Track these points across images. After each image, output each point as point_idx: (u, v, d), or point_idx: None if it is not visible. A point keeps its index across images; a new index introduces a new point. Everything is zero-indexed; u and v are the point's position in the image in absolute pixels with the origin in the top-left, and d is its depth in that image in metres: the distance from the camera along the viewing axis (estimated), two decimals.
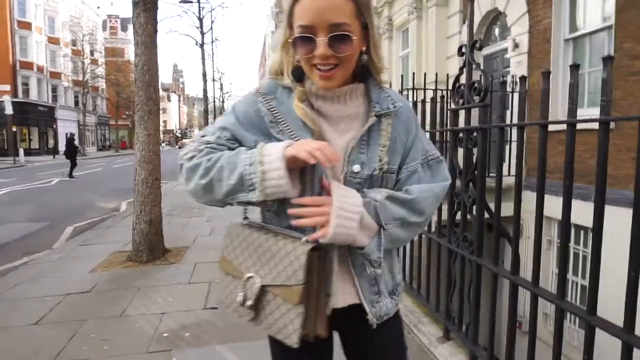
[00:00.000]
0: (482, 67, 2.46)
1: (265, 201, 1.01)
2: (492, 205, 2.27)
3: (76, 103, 42.79)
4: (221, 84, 27.76)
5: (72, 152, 16.95)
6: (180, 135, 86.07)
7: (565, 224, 1.72)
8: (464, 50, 2.46)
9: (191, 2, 16.36)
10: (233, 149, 1.07)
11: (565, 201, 1.71)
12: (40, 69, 36.79)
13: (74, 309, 3.57)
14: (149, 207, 4.79)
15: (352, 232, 0.98)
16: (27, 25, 35.19)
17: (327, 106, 1.09)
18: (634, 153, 5.22)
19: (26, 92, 35.40)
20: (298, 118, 1.05)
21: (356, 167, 1.06)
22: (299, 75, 1.08)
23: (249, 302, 1.03)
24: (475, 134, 2.37)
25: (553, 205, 2.15)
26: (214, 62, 26.74)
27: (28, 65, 35.32)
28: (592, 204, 1.61)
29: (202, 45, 16.11)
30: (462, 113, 2.60)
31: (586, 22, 5.59)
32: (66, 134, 18.52)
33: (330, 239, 0.97)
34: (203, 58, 16.22)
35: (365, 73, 1.11)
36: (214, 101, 23.53)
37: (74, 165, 16.96)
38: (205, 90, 16.05)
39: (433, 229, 3.01)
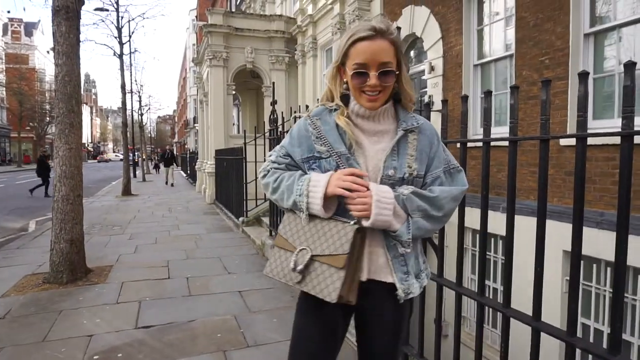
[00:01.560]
0: None
1: None
2: None
3: None
4: (140, 97, 26.63)
5: (44, 169, 15.36)
6: (92, 150, 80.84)
7: (483, 226, 1.96)
8: None
9: (107, 10, 15.63)
10: (288, 164, 1.46)
11: (483, 208, 1.95)
12: None
13: None
14: (69, 225, 4.53)
15: (388, 218, 1.28)
16: None
17: (364, 123, 1.41)
18: (533, 167, 5.85)
19: None
20: (337, 133, 1.38)
21: (390, 172, 1.35)
22: (345, 100, 1.42)
23: (300, 267, 1.32)
24: None
25: (468, 216, 2.38)
26: (133, 73, 25.50)
27: None
28: (500, 213, 1.87)
29: (120, 56, 15.38)
30: None
31: (491, 50, 6.23)
32: (39, 152, 16.36)
33: (372, 223, 1.27)
34: (122, 69, 15.48)
35: (395, 99, 1.43)
36: (132, 114, 22.49)
37: (46, 183, 15.26)
38: (124, 103, 15.30)
39: None
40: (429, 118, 2.52)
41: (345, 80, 1.41)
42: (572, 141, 4.64)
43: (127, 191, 14.63)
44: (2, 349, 3.06)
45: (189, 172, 23.52)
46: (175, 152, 26.96)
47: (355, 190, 1.27)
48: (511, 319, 1.83)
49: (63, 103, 4.47)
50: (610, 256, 1.51)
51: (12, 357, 2.94)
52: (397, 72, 1.36)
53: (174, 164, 20.01)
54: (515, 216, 1.85)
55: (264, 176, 1.48)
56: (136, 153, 26.04)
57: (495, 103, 6.13)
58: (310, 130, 1.41)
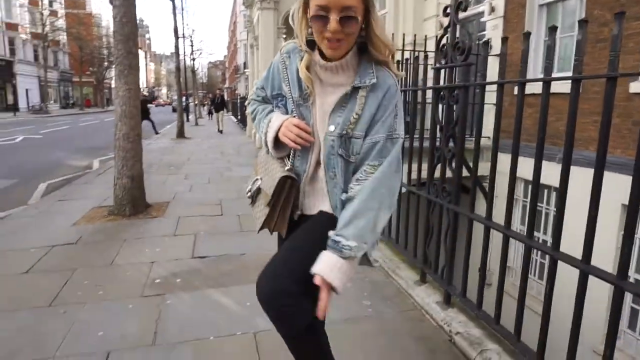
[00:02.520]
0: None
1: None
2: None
3: (36, 57, 40.58)
4: (192, 41, 26.90)
5: (145, 111, 16.40)
6: (147, 95, 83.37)
7: (538, 162, 1.92)
8: (449, 10, 2.58)
9: None
10: (264, 97, 1.55)
11: (538, 149, 1.90)
12: None
13: (62, 259, 3.65)
14: (130, 162, 4.82)
15: (350, 275, 1.27)
16: None
17: (322, 72, 1.35)
18: (596, 116, 5.56)
19: None
20: (297, 77, 1.35)
21: (331, 127, 1.33)
22: (312, 45, 1.33)
23: (249, 194, 1.54)
24: (457, 91, 2.53)
25: (520, 167, 2.20)
26: (184, 17, 25.69)
27: None
28: (555, 164, 1.80)
29: None
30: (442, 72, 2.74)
31: None
32: (144, 94, 17.66)
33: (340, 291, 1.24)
34: (174, 12, 15.60)
35: (363, 49, 1.33)
36: (185, 59, 22.87)
37: (149, 121, 16.47)
38: (176, 47, 15.53)
39: (412, 182, 3.21)
40: (486, 59, 2.42)
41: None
42: None
43: (181, 134, 15.16)
44: (76, 269, 3.40)
45: (239, 117, 23.91)
46: (225, 97, 27.25)
47: (300, 143, 1.33)
48: (559, 263, 1.82)
49: (122, 44, 4.61)
50: None
51: (85, 277, 3.26)
52: (362, 19, 1.26)
53: (224, 109, 19.56)
54: (572, 167, 1.78)
55: (248, 104, 1.61)
56: (189, 98, 26.65)
57: (560, 47, 5.73)
58: (281, 68, 1.41)
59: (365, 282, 3.16)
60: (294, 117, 1.38)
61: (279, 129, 1.37)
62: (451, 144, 2.63)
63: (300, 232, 1.41)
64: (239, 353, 2.31)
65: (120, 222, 4.72)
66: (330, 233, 1.28)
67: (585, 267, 1.69)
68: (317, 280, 1.21)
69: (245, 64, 34.23)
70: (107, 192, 6.04)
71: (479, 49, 6.20)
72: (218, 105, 19.54)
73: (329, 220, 1.36)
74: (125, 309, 2.77)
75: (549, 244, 1.92)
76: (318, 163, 1.40)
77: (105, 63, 46.46)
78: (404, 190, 3.36)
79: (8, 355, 2.27)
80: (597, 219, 1.65)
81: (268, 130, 1.42)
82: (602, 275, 1.64)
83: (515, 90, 2.18)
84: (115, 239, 4.14)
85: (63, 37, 44.50)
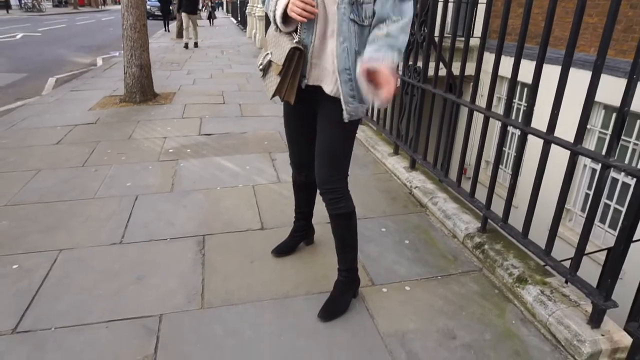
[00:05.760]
0: None
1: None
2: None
3: None
4: None
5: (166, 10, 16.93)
6: None
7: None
8: None
9: None
10: None
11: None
12: None
13: (85, 134, 4.18)
14: (138, 51, 5.16)
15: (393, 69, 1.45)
16: None
17: None
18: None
19: None
20: None
21: None
22: None
23: (261, 67, 1.73)
24: None
25: (506, 66, 2.29)
26: None
27: None
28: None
29: None
30: None
31: None
32: None
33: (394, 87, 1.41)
34: None
35: None
36: None
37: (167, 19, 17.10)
38: None
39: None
40: None
41: None
42: None
43: (180, 34, 15.00)
44: (99, 142, 3.94)
45: (239, 18, 23.28)
46: None
47: (306, 16, 1.49)
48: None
49: None
50: None
51: (108, 147, 3.81)
52: None
53: (198, 9, 13.92)
54: (554, 66, 1.93)
55: None
56: None
57: None
58: None
59: None
60: None
61: (286, 6, 1.52)
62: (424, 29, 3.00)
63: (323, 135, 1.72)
64: (240, 197, 2.90)
65: (131, 107, 5.19)
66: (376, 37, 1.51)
67: (548, 136, 1.90)
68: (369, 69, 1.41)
69: None
70: (115, 84, 6.46)
71: None
72: (187, 2, 12.14)
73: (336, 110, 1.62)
74: (146, 168, 3.34)
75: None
76: (323, 35, 1.58)
77: None
78: None
79: (59, 195, 2.88)
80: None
81: (277, 7, 1.56)
82: (561, 142, 1.84)
83: None
84: (130, 120, 4.65)
85: None
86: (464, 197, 2.60)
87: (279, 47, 1.62)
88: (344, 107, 1.59)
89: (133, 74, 5.23)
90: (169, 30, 16.92)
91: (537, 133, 1.99)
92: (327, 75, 1.63)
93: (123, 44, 5.20)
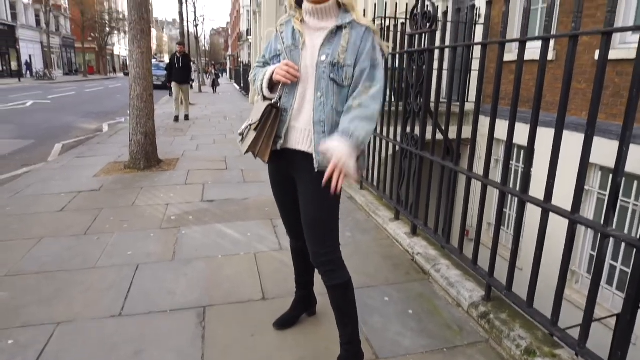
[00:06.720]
0: None
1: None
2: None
3: (37, 22, 40.50)
4: (195, 6, 26.91)
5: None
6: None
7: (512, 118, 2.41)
8: None
9: None
10: (264, 62, 1.83)
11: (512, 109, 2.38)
12: None
13: (89, 201, 4.23)
14: (144, 120, 5.33)
15: (354, 161, 1.52)
16: None
17: (310, 20, 1.69)
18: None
19: None
20: (292, 32, 1.70)
21: (323, 57, 1.62)
22: (300, 3, 1.72)
23: (239, 131, 1.82)
24: (424, 54, 3.01)
25: (502, 129, 2.35)
26: None
27: None
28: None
29: None
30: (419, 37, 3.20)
31: None
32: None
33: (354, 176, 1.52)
34: None
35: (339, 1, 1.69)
36: (187, 25, 22.94)
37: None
38: (180, 13, 15.78)
39: (391, 136, 3.72)
40: (457, 25, 2.85)
41: None
42: None
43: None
44: (102, 209, 3.97)
45: (242, 85, 24.18)
46: (228, 66, 26.83)
47: (289, 78, 1.61)
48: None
49: (134, 10, 5.05)
50: None
51: (110, 214, 3.84)
52: None
53: (190, 79, 12.66)
54: (548, 129, 2.04)
55: (251, 73, 1.89)
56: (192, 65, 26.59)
57: (541, 16, 6.11)
58: (277, 34, 1.75)
59: (348, 220, 3.72)
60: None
61: (273, 72, 1.66)
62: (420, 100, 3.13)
63: (307, 203, 1.75)
64: (242, 265, 2.89)
65: (136, 174, 5.28)
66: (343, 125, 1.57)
67: (545, 205, 1.94)
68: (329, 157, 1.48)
69: (248, 30, 34.12)
70: (120, 150, 6.61)
71: (467, 16, 6.59)
72: (178, 71, 10.92)
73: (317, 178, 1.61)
74: (148, 236, 3.35)
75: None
76: (303, 98, 1.66)
77: (107, 29, 46.31)
78: (383, 142, 3.88)
79: (60, 264, 2.87)
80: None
81: (264, 76, 1.70)
82: (559, 211, 1.88)
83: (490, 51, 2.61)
84: (133, 187, 4.71)
85: (64, 1, 44.11)
86: (466, 265, 2.58)
87: (257, 110, 1.72)
88: (314, 156, 1.63)
89: (138, 142, 5.37)
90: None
91: (534, 201, 2.02)
92: (305, 137, 1.68)
93: (130, 112, 5.39)
